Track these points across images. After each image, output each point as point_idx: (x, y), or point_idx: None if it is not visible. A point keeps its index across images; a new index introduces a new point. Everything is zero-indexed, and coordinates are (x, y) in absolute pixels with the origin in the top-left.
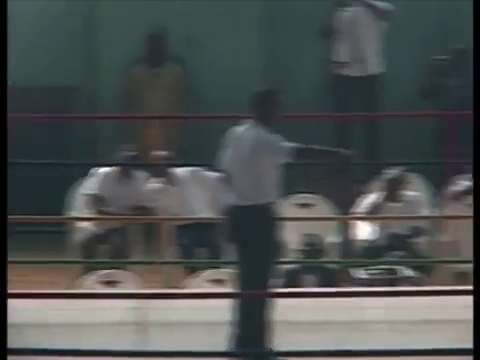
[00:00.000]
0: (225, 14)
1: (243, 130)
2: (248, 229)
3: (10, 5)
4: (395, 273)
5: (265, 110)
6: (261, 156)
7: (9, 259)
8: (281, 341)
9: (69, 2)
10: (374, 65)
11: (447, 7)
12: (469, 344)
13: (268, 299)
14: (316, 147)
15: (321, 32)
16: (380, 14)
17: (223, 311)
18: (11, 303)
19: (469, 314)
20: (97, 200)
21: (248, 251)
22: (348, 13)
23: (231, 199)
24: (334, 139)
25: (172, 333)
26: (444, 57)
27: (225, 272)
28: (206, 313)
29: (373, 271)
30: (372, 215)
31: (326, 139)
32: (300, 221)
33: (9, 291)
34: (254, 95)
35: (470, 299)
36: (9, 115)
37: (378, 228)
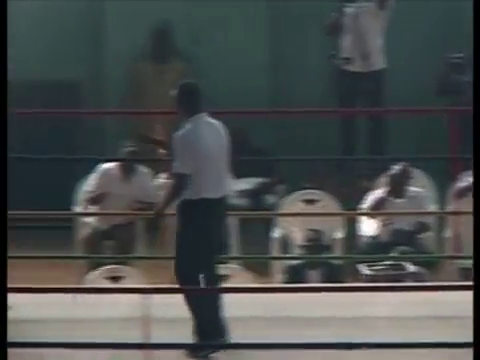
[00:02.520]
0: (232, 10)
1: (207, 123)
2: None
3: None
4: (400, 269)
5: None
6: (228, 148)
7: (15, 254)
8: (284, 335)
9: None
10: (378, 60)
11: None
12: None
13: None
14: None
15: (326, 29)
16: (383, 6)
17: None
18: (13, 298)
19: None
20: (100, 196)
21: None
22: (352, 8)
23: (211, 192)
24: (338, 135)
25: (175, 328)
26: (460, 54)
27: (230, 268)
28: None
29: (378, 267)
30: (376, 211)
31: (330, 134)
32: (305, 217)
33: (11, 286)
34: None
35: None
36: (17, 110)
37: (382, 224)
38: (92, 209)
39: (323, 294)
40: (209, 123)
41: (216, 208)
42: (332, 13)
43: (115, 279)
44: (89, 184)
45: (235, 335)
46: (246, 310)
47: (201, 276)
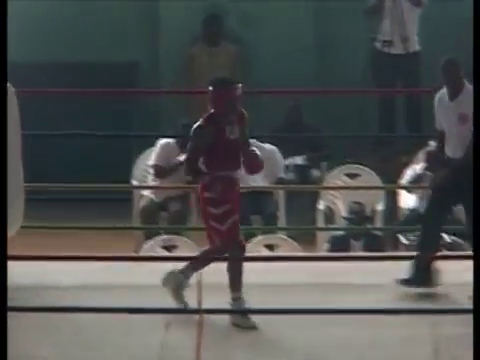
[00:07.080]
0: None
1: None
2: None
3: None
4: None
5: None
6: None
7: (76, 225)
8: (326, 301)
9: None
10: (415, 43)
11: None
12: None
13: None
14: None
15: (366, 11)
16: None
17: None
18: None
19: None
20: (159, 169)
21: None
22: None
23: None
24: (378, 113)
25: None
26: None
27: (278, 237)
28: (261, 275)
29: (415, 237)
30: (415, 185)
31: (371, 113)
32: (348, 190)
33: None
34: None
35: None
36: (75, 89)
37: (420, 196)
38: (155, 182)
39: (364, 262)
40: None
41: None
42: None
43: (169, 248)
44: (151, 158)
45: (283, 299)
46: (292, 277)
47: None
